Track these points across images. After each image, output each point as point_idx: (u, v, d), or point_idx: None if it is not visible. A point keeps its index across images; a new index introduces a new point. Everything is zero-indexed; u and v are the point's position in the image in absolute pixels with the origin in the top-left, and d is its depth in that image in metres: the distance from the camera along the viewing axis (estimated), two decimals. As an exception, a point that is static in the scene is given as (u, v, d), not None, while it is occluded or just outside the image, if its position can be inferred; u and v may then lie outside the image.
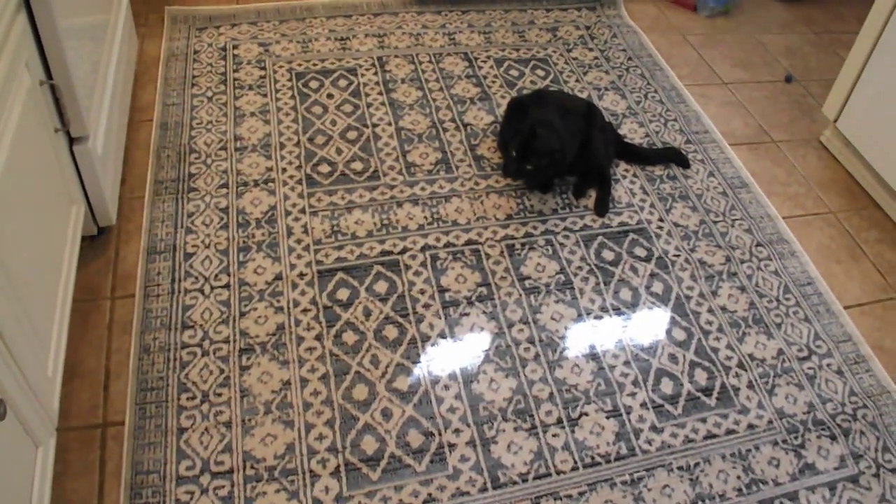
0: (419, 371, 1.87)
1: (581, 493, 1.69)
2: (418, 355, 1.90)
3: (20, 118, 1.47)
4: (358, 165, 2.37)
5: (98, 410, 1.73)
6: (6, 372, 1.29)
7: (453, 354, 1.91)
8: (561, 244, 2.22)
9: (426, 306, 2.00)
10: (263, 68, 2.70)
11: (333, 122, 2.51)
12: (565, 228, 2.27)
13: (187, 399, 1.75)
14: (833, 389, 1.97)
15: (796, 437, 1.85)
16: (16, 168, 1.43)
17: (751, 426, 1.86)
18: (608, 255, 2.21)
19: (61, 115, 1.77)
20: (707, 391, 1.92)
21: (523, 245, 2.20)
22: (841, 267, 2.34)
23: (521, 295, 2.07)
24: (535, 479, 1.70)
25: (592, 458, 1.76)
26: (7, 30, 1.45)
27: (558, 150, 2.19)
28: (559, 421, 1.81)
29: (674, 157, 2.56)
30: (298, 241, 2.12)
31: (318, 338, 1.90)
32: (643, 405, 1.87)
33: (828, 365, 2.03)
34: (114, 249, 2.06)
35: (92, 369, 1.80)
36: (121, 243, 2.08)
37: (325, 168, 2.35)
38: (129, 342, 1.85)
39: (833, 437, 1.86)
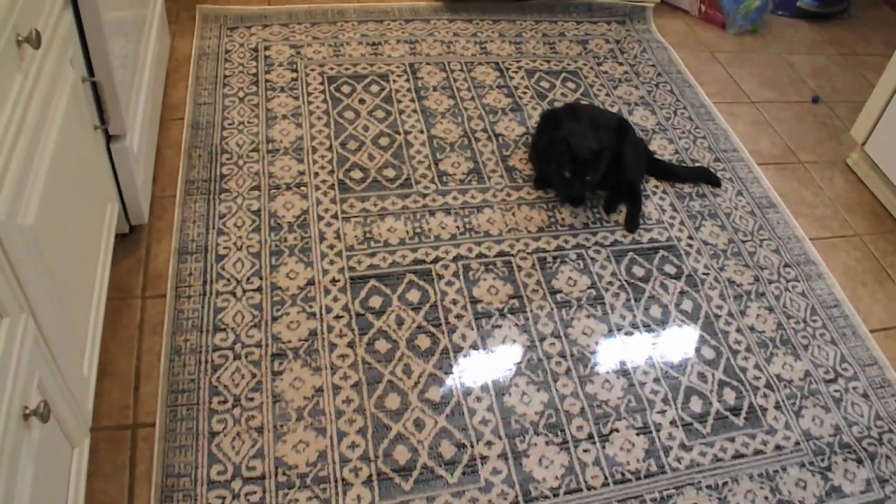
0: (451, 382, 1.86)
1: (612, 511, 1.69)
2: (451, 366, 1.89)
3: (64, 115, 1.47)
4: (390, 172, 2.37)
5: (128, 411, 1.73)
6: (49, 374, 1.29)
7: (485, 366, 1.91)
8: (592, 259, 2.22)
9: (458, 317, 2.00)
10: (295, 70, 2.70)
11: (366, 128, 2.51)
12: (596, 243, 2.27)
13: (219, 403, 1.74)
14: (859, 413, 1.97)
15: (823, 460, 1.85)
16: (60, 166, 1.42)
17: (778, 447, 1.86)
18: (638, 272, 2.21)
19: (101, 113, 1.77)
20: (735, 411, 1.92)
21: (555, 258, 2.20)
22: (866, 290, 2.33)
23: (552, 308, 2.06)
24: (566, 493, 1.70)
25: (623, 474, 1.75)
26: (55, 26, 1.45)
27: (598, 149, 2.19)
28: (590, 436, 1.81)
29: (704, 177, 2.56)
30: (331, 247, 2.11)
31: (351, 345, 1.90)
32: (673, 423, 1.87)
33: (854, 388, 2.02)
34: (145, 248, 2.06)
35: (122, 369, 1.80)
36: (152, 242, 2.08)
37: (357, 174, 2.34)
38: (160, 343, 1.85)
39: (859, 461, 1.86)
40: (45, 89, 1.36)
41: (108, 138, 1.84)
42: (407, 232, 2.19)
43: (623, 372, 1.95)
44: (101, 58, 1.69)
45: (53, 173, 1.38)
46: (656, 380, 1.95)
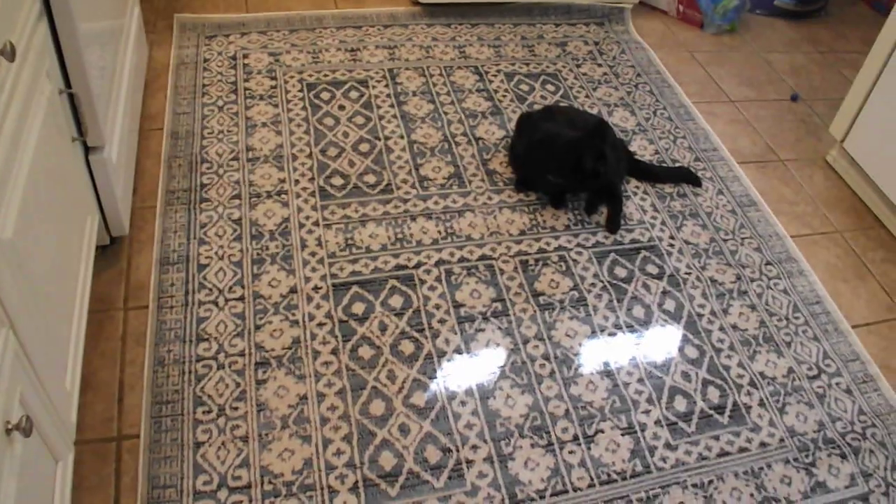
0: (436, 387, 1.86)
1: (598, 512, 1.69)
2: (434, 371, 1.90)
3: (41, 128, 1.46)
4: (371, 178, 2.37)
5: (112, 423, 1.72)
6: (30, 388, 1.28)
7: (469, 370, 1.91)
8: (574, 260, 2.22)
9: (442, 321, 2.00)
10: (274, 78, 2.70)
11: (346, 134, 2.51)
12: (578, 245, 2.27)
13: (203, 413, 1.74)
14: (842, 408, 1.98)
15: (807, 456, 1.86)
16: (38, 179, 1.42)
17: (763, 444, 1.87)
18: (621, 272, 2.22)
19: (79, 125, 1.76)
20: (720, 409, 1.93)
21: (537, 261, 2.20)
22: (848, 286, 2.35)
23: (535, 311, 2.07)
24: (552, 495, 1.70)
25: (608, 475, 1.76)
26: (30, 38, 1.44)
27: (583, 138, 2.21)
28: (575, 438, 1.81)
29: (685, 177, 2.57)
30: (313, 254, 2.11)
31: (335, 352, 1.89)
32: (657, 422, 1.87)
33: (837, 384, 2.03)
34: (126, 259, 2.05)
35: (106, 381, 1.79)
36: (133, 253, 2.07)
37: (338, 180, 2.34)
38: (144, 354, 1.84)
39: (843, 456, 1.87)
40: (21, 102, 1.35)
41: (87, 150, 1.82)
42: (388, 238, 2.19)
43: (607, 373, 1.96)
44: (77, 69, 1.68)
45: (31, 186, 1.37)
46: (640, 380, 1.96)
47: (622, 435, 1.84)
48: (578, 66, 3.03)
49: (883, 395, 2.03)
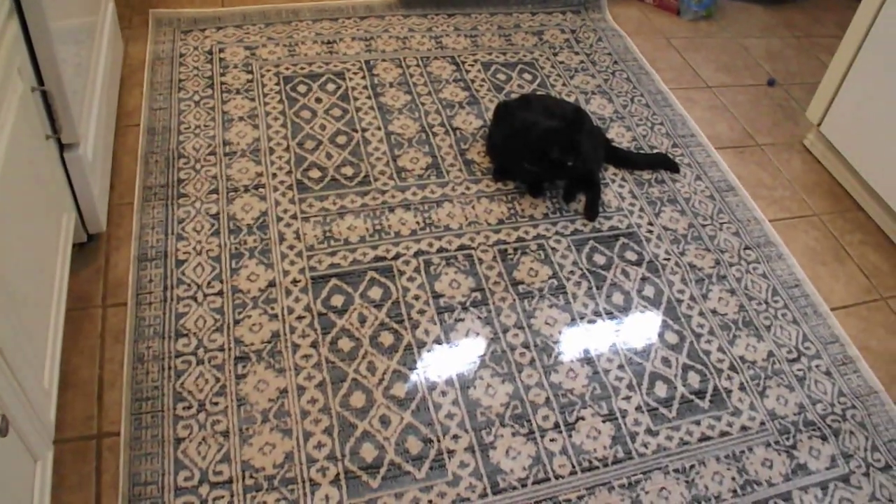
0: (416, 377, 1.87)
1: (580, 498, 1.69)
2: (415, 361, 1.90)
3: (13, 126, 1.45)
4: (348, 170, 2.36)
5: (92, 421, 1.71)
6: (6, 387, 1.27)
7: (450, 360, 1.91)
8: (553, 249, 2.23)
9: (421, 312, 2.00)
10: (250, 72, 2.69)
11: (322, 127, 2.50)
12: (556, 233, 2.28)
13: (183, 408, 1.74)
14: (822, 390, 1.99)
15: (788, 438, 1.87)
16: (9, 177, 1.41)
17: (744, 428, 1.88)
18: (600, 260, 2.22)
19: (52, 122, 1.75)
20: (700, 394, 1.93)
21: (515, 250, 2.20)
22: (826, 269, 2.36)
23: (514, 300, 2.07)
24: (534, 483, 1.71)
25: (590, 462, 1.76)
26: (-1, 36, 1.44)
27: (555, 128, 2.22)
28: (556, 426, 1.82)
29: (663, 163, 2.58)
30: (291, 248, 2.11)
31: (314, 345, 1.89)
32: (638, 409, 1.88)
33: (816, 366, 2.05)
34: (104, 257, 2.04)
35: (85, 379, 1.78)
36: (111, 250, 2.06)
37: (315, 173, 2.34)
38: (123, 351, 1.83)
39: (824, 438, 1.89)
40: (-10, 100, 1.35)
41: (62, 147, 1.81)
42: (367, 229, 2.19)
43: (587, 360, 1.97)
44: (50, 67, 1.67)
45: (3, 184, 1.36)
46: (620, 366, 1.96)
47: (603, 422, 1.84)
48: (555, 54, 3.03)
49: (862, 377, 2.05)
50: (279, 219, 2.18)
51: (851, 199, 2.64)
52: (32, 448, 1.40)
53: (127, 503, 1.58)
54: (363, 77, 2.74)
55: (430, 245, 2.18)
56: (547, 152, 2.21)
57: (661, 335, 2.06)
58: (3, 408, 1.25)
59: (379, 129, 2.53)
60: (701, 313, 2.13)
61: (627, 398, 1.90)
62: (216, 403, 1.75)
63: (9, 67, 1.47)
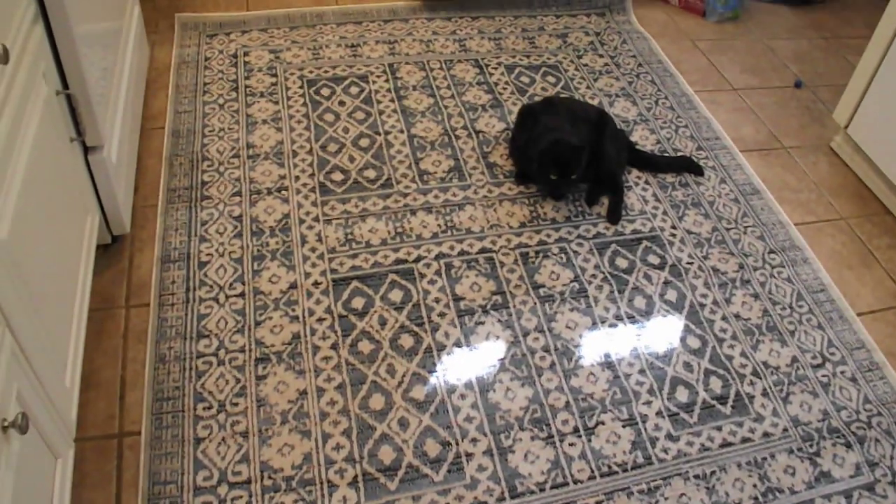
0: (435, 380, 1.87)
1: (598, 503, 1.69)
2: (434, 364, 1.90)
3: (38, 129, 1.47)
4: (371, 173, 2.37)
5: (114, 420, 1.73)
6: (27, 385, 1.29)
7: (469, 363, 1.91)
8: (575, 252, 2.22)
9: (441, 315, 2.00)
10: (275, 75, 2.70)
11: (346, 130, 2.51)
12: (579, 236, 2.27)
13: (204, 409, 1.75)
14: (847, 397, 1.97)
15: (811, 445, 1.85)
16: (35, 179, 1.43)
17: (766, 434, 1.86)
18: (622, 263, 2.21)
19: (77, 125, 1.77)
20: (722, 399, 1.92)
21: (537, 253, 2.20)
22: (853, 273, 2.33)
23: (535, 303, 2.07)
24: (552, 488, 1.70)
25: (609, 467, 1.75)
26: (25, 40, 1.46)
27: (580, 146, 2.21)
28: (575, 430, 1.81)
29: (687, 166, 2.56)
30: (313, 250, 2.12)
31: (334, 347, 1.90)
32: (659, 414, 1.87)
33: (842, 372, 2.02)
34: (128, 258, 2.06)
35: (107, 379, 1.80)
36: (135, 252, 2.08)
37: (338, 176, 2.35)
38: (145, 351, 1.85)
39: (848, 445, 1.86)
40: (16, 103, 1.37)
41: (86, 150, 1.84)
42: (388, 232, 2.20)
43: (608, 364, 1.96)
44: (74, 70, 1.69)
45: (28, 186, 1.38)
46: (641, 371, 1.95)
47: (623, 427, 1.83)
48: (579, 57, 3.03)
49: (889, 384, 2.02)
50: (301, 221, 2.19)
51: (879, 202, 2.60)
52: (53, 445, 1.42)
53: (147, 501, 1.59)
54: (386, 80, 2.75)
55: (452, 248, 2.18)
56: (548, 167, 2.22)
57: (682, 339, 2.04)
58: (24, 405, 1.26)
59: (402, 132, 2.54)
60: (724, 318, 2.11)
61: (648, 403, 1.89)
62: (236, 404, 1.76)
63: (34, 72, 1.49)
